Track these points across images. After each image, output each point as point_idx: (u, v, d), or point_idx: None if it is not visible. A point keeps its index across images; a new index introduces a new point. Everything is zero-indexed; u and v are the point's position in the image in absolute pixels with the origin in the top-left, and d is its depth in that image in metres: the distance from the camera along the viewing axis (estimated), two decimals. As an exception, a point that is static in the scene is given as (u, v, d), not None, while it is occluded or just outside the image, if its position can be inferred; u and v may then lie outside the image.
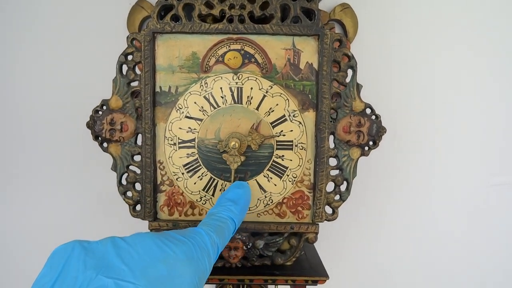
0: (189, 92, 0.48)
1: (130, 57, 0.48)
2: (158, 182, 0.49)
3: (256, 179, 0.49)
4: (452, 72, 0.70)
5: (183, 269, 0.32)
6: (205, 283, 0.49)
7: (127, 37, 0.47)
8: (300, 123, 0.48)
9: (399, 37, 0.69)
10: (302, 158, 0.49)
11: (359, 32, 0.68)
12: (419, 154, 0.70)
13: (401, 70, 0.69)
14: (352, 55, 0.47)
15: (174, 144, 0.49)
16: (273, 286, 0.53)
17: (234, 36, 0.47)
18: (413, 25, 0.69)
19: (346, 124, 0.48)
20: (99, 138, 0.48)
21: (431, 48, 0.69)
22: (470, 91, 0.71)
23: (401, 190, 0.71)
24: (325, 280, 0.49)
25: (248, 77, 0.48)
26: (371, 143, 0.48)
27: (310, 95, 0.48)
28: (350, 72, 0.48)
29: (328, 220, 0.49)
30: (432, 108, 0.70)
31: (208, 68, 0.48)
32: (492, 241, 0.74)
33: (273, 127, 0.48)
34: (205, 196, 0.49)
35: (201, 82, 0.48)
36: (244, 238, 0.50)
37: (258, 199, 0.49)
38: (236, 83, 0.48)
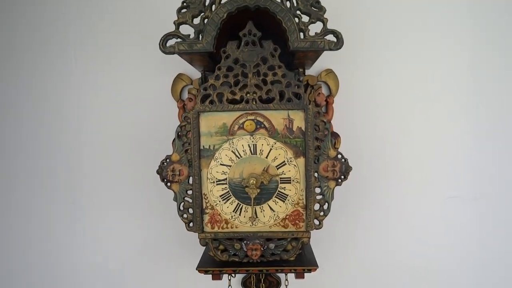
0: (222, 148, 0.74)
1: (183, 128, 0.74)
2: (204, 207, 0.75)
3: (268, 203, 0.75)
4: (410, 108, 0.95)
5: None
6: (236, 273, 0.75)
7: (182, 115, 0.74)
8: (295, 165, 0.74)
9: (368, 92, 0.94)
10: (297, 188, 0.74)
11: (340, 89, 0.94)
12: (385, 179, 0.95)
13: (369, 115, 0.94)
14: (326, 121, 0.72)
15: (213, 182, 0.75)
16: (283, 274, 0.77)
17: (250, 111, 0.73)
18: (379, 83, 0.94)
19: (325, 166, 0.73)
20: (165, 180, 0.75)
21: (392, 96, 0.95)
22: (429, 127, 0.95)
23: (367, 209, 0.97)
24: (316, 269, 0.74)
25: (259, 137, 0.73)
26: (342, 177, 0.73)
27: (300, 148, 0.73)
28: (326, 131, 0.73)
29: (316, 229, 0.74)
30: (395, 140, 0.95)
31: (234, 132, 0.74)
32: (447, 241, 0.97)
33: (277, 169, 0.74)
34: (234, 215, 0.75)
35: (229, 142, 0.74)
36: (261, 242, 0.75)
37: (269, 216, 0.75)
38: (252, 141, 0.74)
